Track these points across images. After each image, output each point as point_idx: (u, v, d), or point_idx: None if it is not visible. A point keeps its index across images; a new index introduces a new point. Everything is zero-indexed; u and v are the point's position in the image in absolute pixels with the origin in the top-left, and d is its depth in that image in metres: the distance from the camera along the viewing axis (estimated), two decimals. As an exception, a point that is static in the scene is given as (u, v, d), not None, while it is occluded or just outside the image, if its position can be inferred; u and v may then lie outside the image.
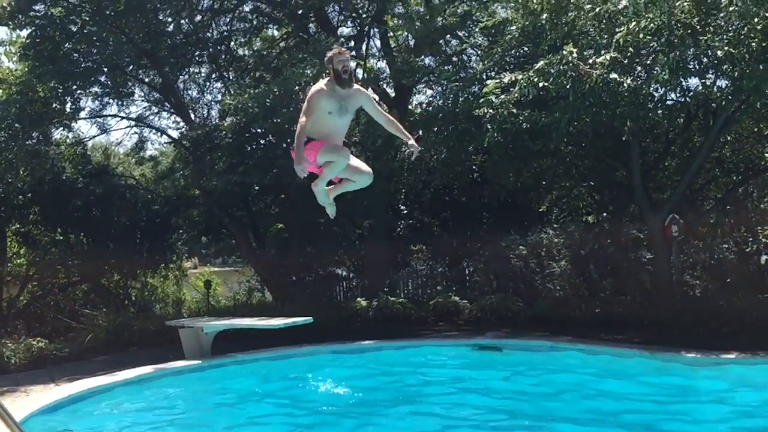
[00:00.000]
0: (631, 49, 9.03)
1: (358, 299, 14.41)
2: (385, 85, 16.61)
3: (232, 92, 15.42)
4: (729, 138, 12.77)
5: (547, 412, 7.48)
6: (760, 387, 7.98)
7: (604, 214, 14.72)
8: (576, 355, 9.71)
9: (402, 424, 7.46)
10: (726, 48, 8.31)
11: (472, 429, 7.14)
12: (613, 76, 8.67)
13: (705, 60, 9.00)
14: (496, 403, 8.06)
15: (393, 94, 16.42)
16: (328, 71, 5.20)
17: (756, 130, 12.68)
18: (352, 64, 5.35)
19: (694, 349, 9.09)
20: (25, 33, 14.31)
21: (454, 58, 16.44)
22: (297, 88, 13.26)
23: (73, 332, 12.76)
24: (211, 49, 16.12)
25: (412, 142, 5.45)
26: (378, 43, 17.30)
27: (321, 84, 5.21)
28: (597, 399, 7.93)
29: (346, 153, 5.24)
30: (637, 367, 8.96)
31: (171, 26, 15.73)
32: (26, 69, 14.11)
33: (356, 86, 5.29)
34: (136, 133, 17.95)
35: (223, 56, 16.73)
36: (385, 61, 16.85)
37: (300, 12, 16.18)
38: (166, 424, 7.83)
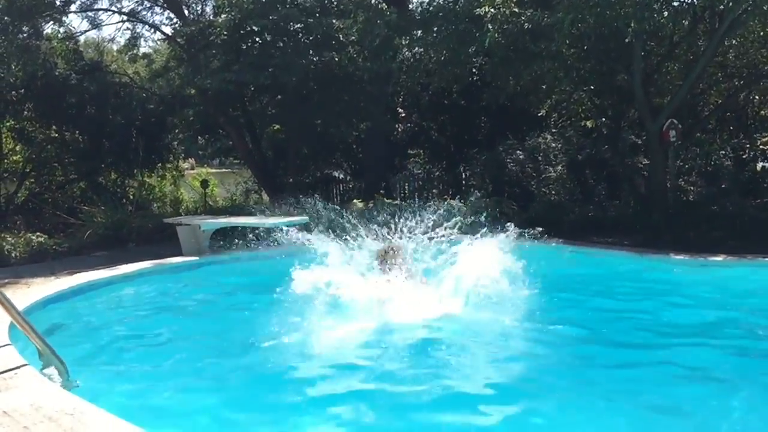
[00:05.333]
0: (639, -56, 8.72)
1: (355, 201, 14.52)
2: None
3: (226, -13, 14.93)
4: (734, 42, 12.49)
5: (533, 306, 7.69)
6: (740, 287, 8.19)
7: (603, 119, 14.59)
8: (564, 254, 9.91)
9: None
10: (737, -56, 8.03)
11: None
12: (619, -27, 8.40)
13: (715, -43, 8.70)
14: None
15: (393, -8, 15.91)
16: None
17: (762, 33, 12.36)
18: None
19: (684, 251, 9.28)
20: None
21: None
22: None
23: (72, 229, 12.90)
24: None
25: None
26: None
27: None
28: (581, 294, 8.14)
29: None
30: (626, 267, 9.17)
31: None
32: (12, -42, 13.58)
33: None
34: (128, 29, 17.46)
35: (218, -52, 16.09)
36: (385, -44, 16.22)
37: None
38: (164, 316, 8.04)
